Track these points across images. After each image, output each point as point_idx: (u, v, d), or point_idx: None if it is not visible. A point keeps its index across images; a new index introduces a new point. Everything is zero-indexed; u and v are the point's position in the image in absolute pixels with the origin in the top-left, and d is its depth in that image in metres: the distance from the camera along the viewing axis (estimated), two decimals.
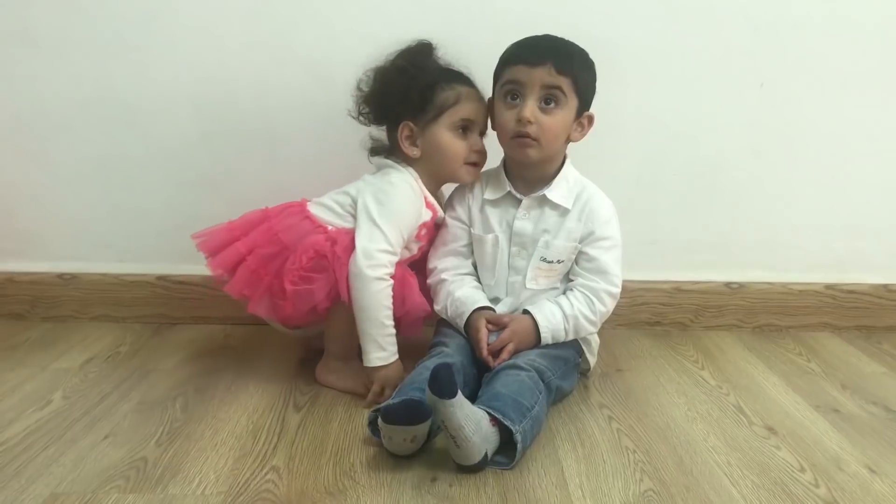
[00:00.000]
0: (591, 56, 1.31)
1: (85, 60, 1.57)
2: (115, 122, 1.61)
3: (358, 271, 1.25)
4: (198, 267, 1.54)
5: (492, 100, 1.35)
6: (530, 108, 1.26)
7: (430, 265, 1.42)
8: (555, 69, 1.24)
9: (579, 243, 1.34)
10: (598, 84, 1.34)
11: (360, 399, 1.31)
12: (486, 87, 1.37)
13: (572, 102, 1.27)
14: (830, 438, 1.23)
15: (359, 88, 1.37)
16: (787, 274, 1.73)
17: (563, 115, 1.27)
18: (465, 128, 1.34)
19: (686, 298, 1.73)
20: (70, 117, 1.60)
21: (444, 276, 1.39)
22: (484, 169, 1.40)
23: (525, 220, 1.35)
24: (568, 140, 1.32)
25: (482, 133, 1.38)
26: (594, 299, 1.33)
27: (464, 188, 1.41)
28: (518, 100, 1.28)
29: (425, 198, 1.36)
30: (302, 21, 1.54)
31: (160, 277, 1.69)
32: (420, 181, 1.36)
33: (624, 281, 1.37)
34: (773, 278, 1.73)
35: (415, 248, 1.39)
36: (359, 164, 1.45)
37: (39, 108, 1.60)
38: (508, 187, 1.36)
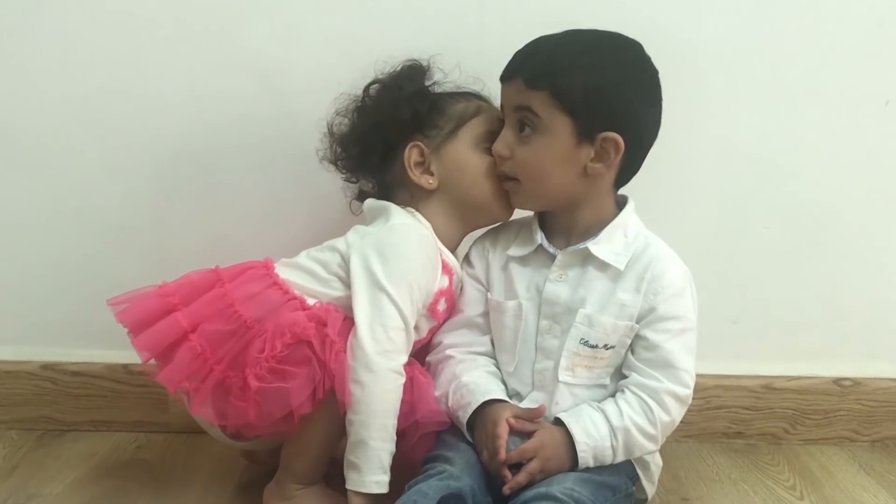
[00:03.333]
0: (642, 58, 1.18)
1: None
2: None
3: (366, 360, 1.14)
4: (99, 352, 1.52)
5: None
6: (503, 138, 1.21)
7: (435, 339, 1.31)
8: (524, 83, 1.17)
9: (636, 322, 1.20)
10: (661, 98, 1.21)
11: None
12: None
13: (559, 123, 1.16)
14: None
15: (330, 133, 1.30)
16: None
17: (545, 144, 1.17)
18: (492, 145, 1.28)
19: (780, 400, 1.57)
20: None
21: (449, 352, 1.28)
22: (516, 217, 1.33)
23: (560, 282, 1.22)
24: (588, 176, 1.19)
25: None
26: (654, 405, 1.18)
27: (484, 240, 1.33)
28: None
29: (441, 254, 1.27)
30: (251, 13, 1.41)
31: (46, 366, 1.52)
32: (433, 231, 1.26)
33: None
34: None
35: (425, 329, 1.27)
36: (328, 211, 1.40)
37: None
38: (540, 239, 1.25)
